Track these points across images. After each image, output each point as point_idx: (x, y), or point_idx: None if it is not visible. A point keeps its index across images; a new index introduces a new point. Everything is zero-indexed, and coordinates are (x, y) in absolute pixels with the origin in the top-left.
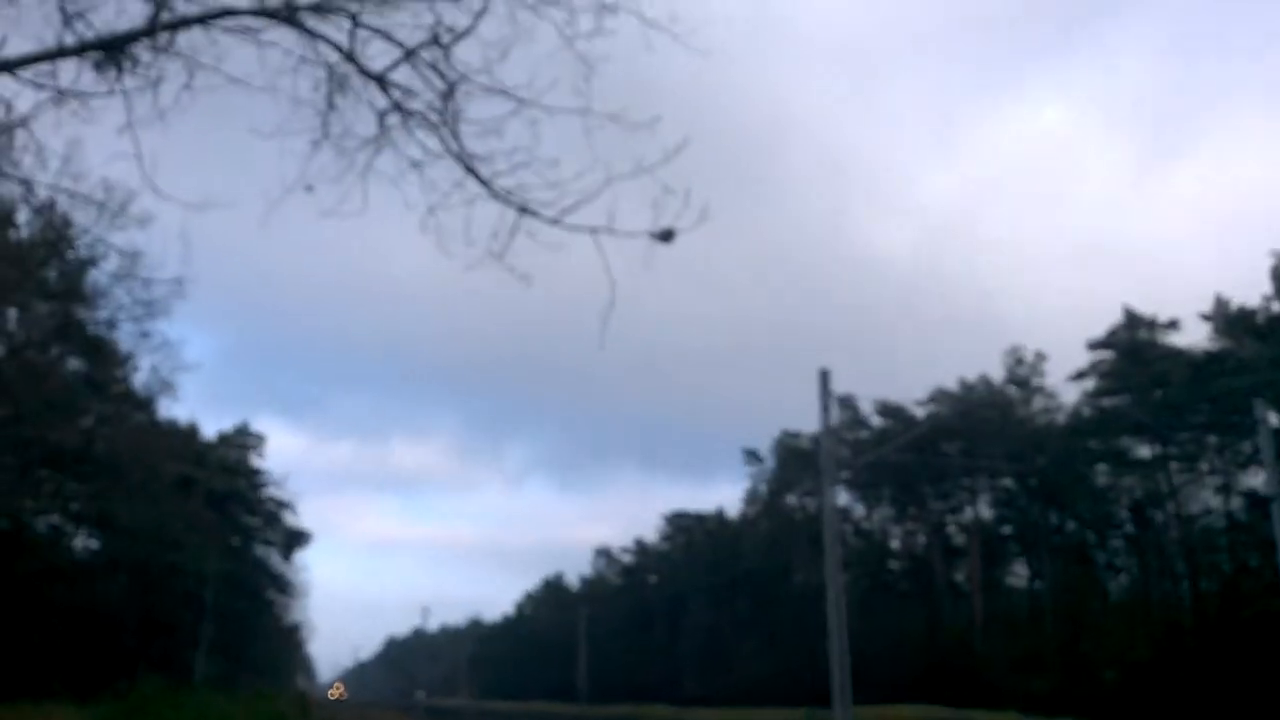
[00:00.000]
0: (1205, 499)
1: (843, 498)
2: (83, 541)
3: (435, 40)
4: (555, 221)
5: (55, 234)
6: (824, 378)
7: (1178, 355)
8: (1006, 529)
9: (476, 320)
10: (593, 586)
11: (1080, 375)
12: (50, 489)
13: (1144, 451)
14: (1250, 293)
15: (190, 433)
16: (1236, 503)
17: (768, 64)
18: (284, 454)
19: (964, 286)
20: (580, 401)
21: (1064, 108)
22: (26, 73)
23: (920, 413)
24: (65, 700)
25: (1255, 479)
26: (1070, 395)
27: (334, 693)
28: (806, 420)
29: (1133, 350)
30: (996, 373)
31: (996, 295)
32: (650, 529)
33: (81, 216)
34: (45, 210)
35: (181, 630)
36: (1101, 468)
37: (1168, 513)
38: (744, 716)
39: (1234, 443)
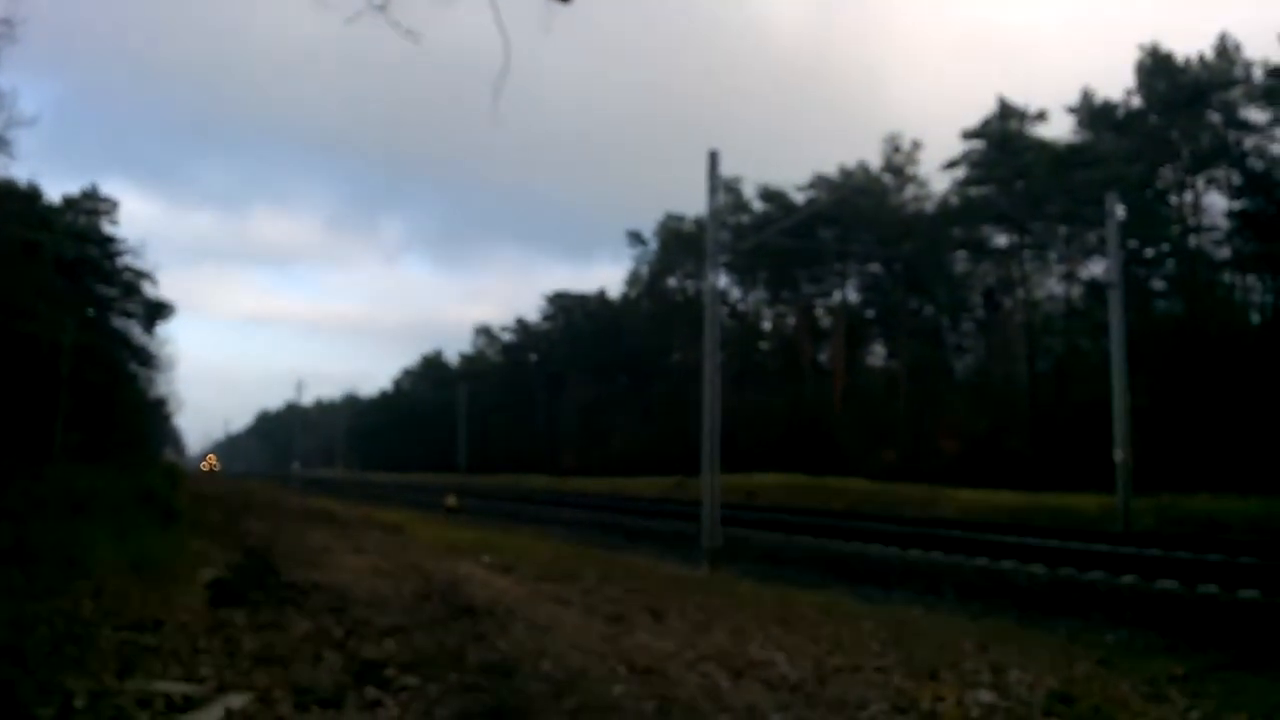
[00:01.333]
0: (1050, 286)
1: (721, 280)
2: None
3: None
4: None
5: None
6: (713, 159)
7: (1042, 147)
8: (870, 312)
9: (353, 84)
10: (472, 363)
11: (952, 164)
12: None
13: (1001, 240)
14: (1117, 87)
15: (32, 195)
16: (1077, 290)
17: None
18: (139, 221)
19: (853, 68)
20: (462, 176)
21: None
22: None
23: (801, 198)
24: None
25: (1097, 268)
26: (941, 184)
27: (206, 465)
28: (690, 203)
29: (1002, 141)
30: (876, 160)
31: (885, 81)
32: (531, 308)
33: None
34: None
35: (39, 403)
36: (961, 255)
37: (1016, 298)
38: (617, 484)
39: (1083, 233)
